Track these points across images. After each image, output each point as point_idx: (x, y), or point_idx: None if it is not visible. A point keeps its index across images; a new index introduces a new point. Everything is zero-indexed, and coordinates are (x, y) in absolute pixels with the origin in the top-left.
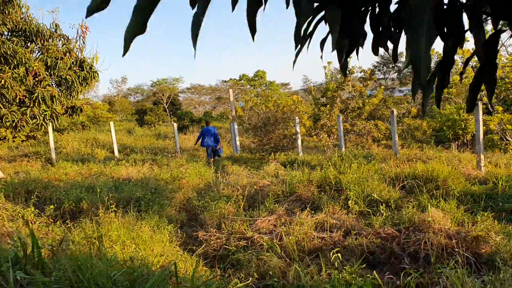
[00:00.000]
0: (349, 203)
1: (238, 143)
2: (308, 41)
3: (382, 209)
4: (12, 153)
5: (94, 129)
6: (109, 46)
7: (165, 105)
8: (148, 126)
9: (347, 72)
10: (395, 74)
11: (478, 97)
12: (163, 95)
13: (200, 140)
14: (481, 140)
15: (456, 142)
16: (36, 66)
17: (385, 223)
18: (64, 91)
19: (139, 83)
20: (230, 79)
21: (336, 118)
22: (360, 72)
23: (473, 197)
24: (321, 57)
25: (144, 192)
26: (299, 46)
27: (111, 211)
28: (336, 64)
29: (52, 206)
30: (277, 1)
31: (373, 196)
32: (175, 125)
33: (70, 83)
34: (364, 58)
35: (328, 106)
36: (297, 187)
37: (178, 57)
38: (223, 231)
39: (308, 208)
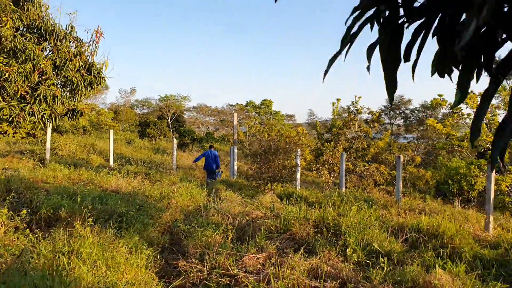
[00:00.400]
0: (347, 251)
1: (235, 167)
2: (349, 45)
3: (383, 262)
4: (9, 148)
5: (94, 135)
6: (124, 55)
7: (169, 120)
8: (149, 139)
9: (356, 111)
10: (401, 121)
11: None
12: (168, 110)
13: (199, 160)
14: (491, 200)
15: (460, 198)
16: (44, 64)
17: (386, 279)
18: (67, 93)
19: (147, 96)
20: (237, 103)
21: (340, 156)
22: (368, 113)
23: (483, 262)
24: (368, 67)
25: (129, 207)
26: (344, 48)
27: (87, 225)
28: (344, 102)
29: (24, 211)
30: (294, 34)
31: (374, 246)
32: (175, 141)
33: (75, 85)
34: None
35: (332, 142)
36: (292, 224)
37: (189, 73)
38: (206, 264)
39: (302, 250)
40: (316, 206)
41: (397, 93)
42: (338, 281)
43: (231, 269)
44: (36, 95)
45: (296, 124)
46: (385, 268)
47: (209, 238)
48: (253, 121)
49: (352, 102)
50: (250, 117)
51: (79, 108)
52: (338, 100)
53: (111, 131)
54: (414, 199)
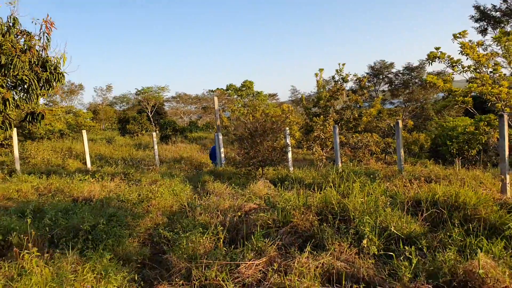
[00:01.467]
0: (364, 242)
1: (222, 155)
2: None
3: (408, 251)
4: None
5: (72, 138)
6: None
7: (149, 114)
8: (130, 135)
9: (342, 80)
10: (386, 86)
11: (499, 108)
12: (147, 103)
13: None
14: (506, 158)
15: (459, 158)
16: None
17: (417, 274)
18: (22, 94)
19: (124, 92)
20: (217, 88)
21: (331, 129)
22: (355, 80)
23: None
24: None
25: (98, 219)
26: None
27: (32, 255)
28: (329, 72)
29: None
30: (266, 12)
31: (391, 230)
32: (155, 134)
33: (27, 85)
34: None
35: (321, 116)
36: (292, 214)
37: (165, 65)
38: (193, 282)
39: (308, 246)
40: (316, 188)
41: (378, 58)
42: (360, 284)
43: (226, 286)
44: None
45: (280, 103)
46: (413, 259)
47: (196, 244)
48: (236, 105)
49: (337, 70)
50: (233, 101)
51: (39, 110)
52: (321, 70)
53: (84, 132)
54: (414, 166)
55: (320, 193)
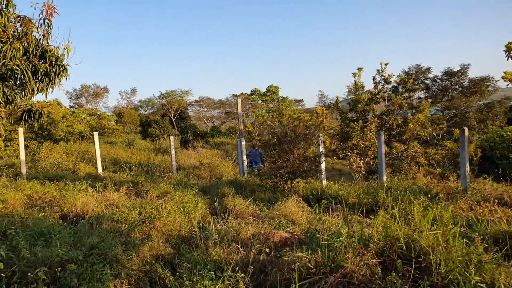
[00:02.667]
0: None
1: (245, 163)
2: None
3: None
4: None
5: (91, 141)
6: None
7: (172, 117)
8: (152, 139)
9: (384, 81)
10: (422, 92)
11: None
12: (171, 107)
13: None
14: None
15: None
16: None
17: None
18: (13, 88)
19: (149, 96)
20: (241, 93)
21: (372, 137)
22: (400, 81)
23: None
24: None
25: (76, 251)
26: None
27: None
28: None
29: None
30: (295, 19)
31: None
32: (172, 138)
33: (18, 76)
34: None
35: (360, 121)
36: (343, 256)
37: (190, 70)
38: None
39: None
40: (364, 211)
41: (413, 62)
42: None
43: None
44: None
45: (306, 109)
46: None
47: None
48: (260, 110)
49: (378, 70)
50: (257, 106)
51: (36, 107)
52: (359, 69)
53: (95, 134)
54: (478, 184)
55: (370, 218)
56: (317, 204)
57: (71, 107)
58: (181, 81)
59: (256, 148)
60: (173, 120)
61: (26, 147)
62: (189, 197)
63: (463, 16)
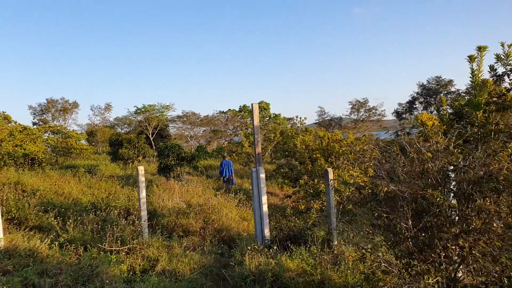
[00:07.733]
0: None
1: (266, 220)
2: None
3: None
4: None
5: (43, 166)
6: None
7: (150, 136)
8: (124, 162)
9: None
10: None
11: None
12: (149, 124)
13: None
14: None
15: None
16: None
17: None
18: None
19: (125, 114)
20: (229, 109)
21: None
22: None
23: None
24: None
25: None
26: None
27: None
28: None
29: None
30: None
31: None
32: (141, 168)
33: None
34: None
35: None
36: None
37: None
38: None
39: None
40: None
41: (433, 74)
42: None
43: None
44: None
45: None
46: None
47: None
48: (249, 128)
49: (498, 56)
50: (247, 124)
51: None
52: (483, 48)
53: None
54: None
55: None
56: None
57: (34, 124)
58: (162, 97)
59: (225, 158)
60: (151, 139)
61: None
62: None
63: None
